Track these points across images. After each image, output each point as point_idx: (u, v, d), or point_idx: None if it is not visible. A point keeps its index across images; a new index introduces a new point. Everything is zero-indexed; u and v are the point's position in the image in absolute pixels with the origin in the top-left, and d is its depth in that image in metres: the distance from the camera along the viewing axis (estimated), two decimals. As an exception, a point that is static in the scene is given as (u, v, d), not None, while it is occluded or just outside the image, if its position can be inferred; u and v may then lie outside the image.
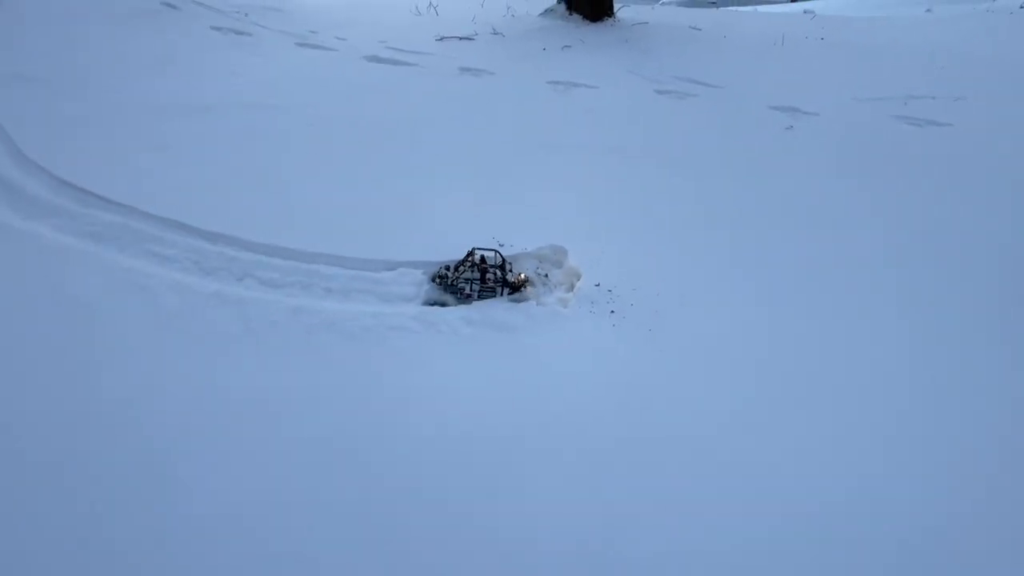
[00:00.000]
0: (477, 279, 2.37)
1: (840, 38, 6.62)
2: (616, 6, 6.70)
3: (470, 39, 5.95)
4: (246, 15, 5.84)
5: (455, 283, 2.37)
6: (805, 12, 9.11)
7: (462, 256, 2.46)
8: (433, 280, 2.43)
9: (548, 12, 6.60)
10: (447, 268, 2.45)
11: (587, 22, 6.31)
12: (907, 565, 1.51)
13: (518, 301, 2.31)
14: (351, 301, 2.32)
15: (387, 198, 3.00)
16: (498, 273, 2.40)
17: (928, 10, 9.06)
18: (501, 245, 2.64)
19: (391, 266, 2.51)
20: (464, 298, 2.35)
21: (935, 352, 2.19)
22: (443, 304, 2.32)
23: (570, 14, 6.41)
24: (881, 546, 1.54)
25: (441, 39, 5.88)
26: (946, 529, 1.59)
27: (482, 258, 2.40)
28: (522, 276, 2.40)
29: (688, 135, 3.91)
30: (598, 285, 2.44)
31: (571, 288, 2.49)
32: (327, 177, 3.15)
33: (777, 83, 4.92)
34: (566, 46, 5.69)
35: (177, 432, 1.73)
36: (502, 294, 2.36)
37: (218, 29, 5.25)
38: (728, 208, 3.08)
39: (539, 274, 2.52)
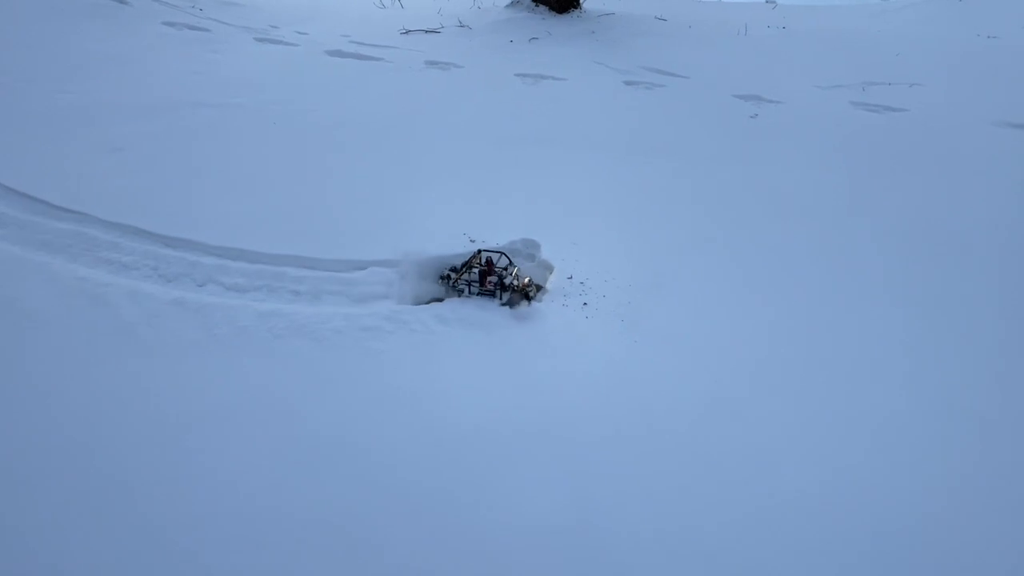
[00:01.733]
0: (476, 281, 2.33)
1: (801, 26, 6.75)
2: (582, -3, 6.70)
3: (436, 32, 5.86)
4: (201, 10, 5.63)
5: (456, 284, 2.33)
6: (767, 1, 9.27)
7: (441, 253, 2.42)
8: (439, 280, 2.39)
9: (514, 4, 6.56)
10: (453, 269, 2.41)
11: (553, 14, 6.29)
12: (882, 551, 1.56)
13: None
14: (321, 303, 2.27)
15: (355, 197, 2.94)
16: (504, 275, 2.31)
17: (883, -1, 9.32)
18: (472, 241, 2.62)
19: (361, 266, 2.47)
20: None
21: (899, 331, 2.26)
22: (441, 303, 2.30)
23: (536, 6, 6.37)
24: (857, 532, 1.58)
25: (406, 32, 5.78)
26: (919, 512, 1.65)
27: (488, 260, 2.35)
28: (527, 281, 2.33)
29: (656, 126, 3.94)
30: (570, 278, 2.45)
31: (544, 282, 2.49)
32: (292, 177, 3.07)
33: (741, 72, 4.99)
34: (533, 38, 5.66)
35: (140, 446, 1.66)
36: (500, 298, 2.29)
37: (171, 25, 5.05)
38: (696, 197, 3.12)
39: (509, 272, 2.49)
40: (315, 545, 1.47)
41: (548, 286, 2.44)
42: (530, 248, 2.67)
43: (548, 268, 2.54)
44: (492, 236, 2.65)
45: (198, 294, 2.26)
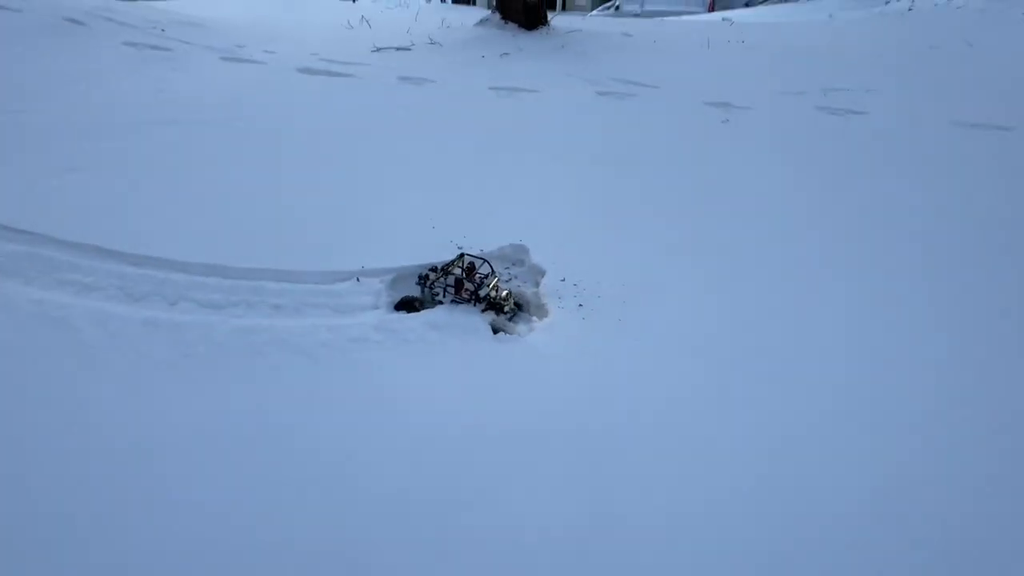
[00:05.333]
0: (452, 286, 2.24)
1: (758, 41, 7.05)
2: (549, 15, 6.83)
3: (407, 49, 5.86)
4: (163, 30, 5.48)
5: (433, 286, 2.24)
6: (724, 20, 9.69)
7: (430, 260, 2.35)
8: (417, 281, 2.30)
9: (483, 22, 6.64)
10: (433, 270, 2.32)
11: (522, 30, 6.38)
12: (874, 543, 1.52)
13: (502, 329, 2.15)
14: (304, 316, 2.14)
15: (335, 208, 2.84)
16: (480, 283, 2.20)
17: (830, 16, 9.85)
18: (460, 248, 2.55)
19: (345, 277, 2.36)
20: (436, 304, 2.23)
21: (875, 318, 2.27)
22: (411, 306, 2.20)
23: (505, 23, 6.46)
24: (868, 519, 1.54)
25: (377, 50, 5.76)
26: (925, 497, 1.63)
27: (471, 265, 2.27)
28: (504, 294, 2.22)
29: (632, 132, 3.99)
30: (563, 280, 2.39)
31: (536, 285, 2.43)
32: (267, 191, 2.95)
33: (708, 82, 5.13)
34: (504, 53, 5.72)
35: (111, 476, 1.50)
36: (475, 305, 2.19)
37: (132, 45, 4.89)
38: (678, 199, 3.13)
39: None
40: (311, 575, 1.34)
41: (541, 289, 2.37)
42: (519, 253, 2.61)
43: (539, 272, 2.48)
44: (479, 243, 2.59)
45: (170, 313, 2.10)
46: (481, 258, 2.33)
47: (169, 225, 2.59)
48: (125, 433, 1.62)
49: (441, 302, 2.23)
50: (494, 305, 2.19)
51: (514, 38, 6.19)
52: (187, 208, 2.74)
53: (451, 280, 2.23)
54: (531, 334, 2.10)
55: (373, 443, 1.65)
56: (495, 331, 2.12)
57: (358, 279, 2.34)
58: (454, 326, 2.09)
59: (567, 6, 18.30)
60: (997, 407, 1.89)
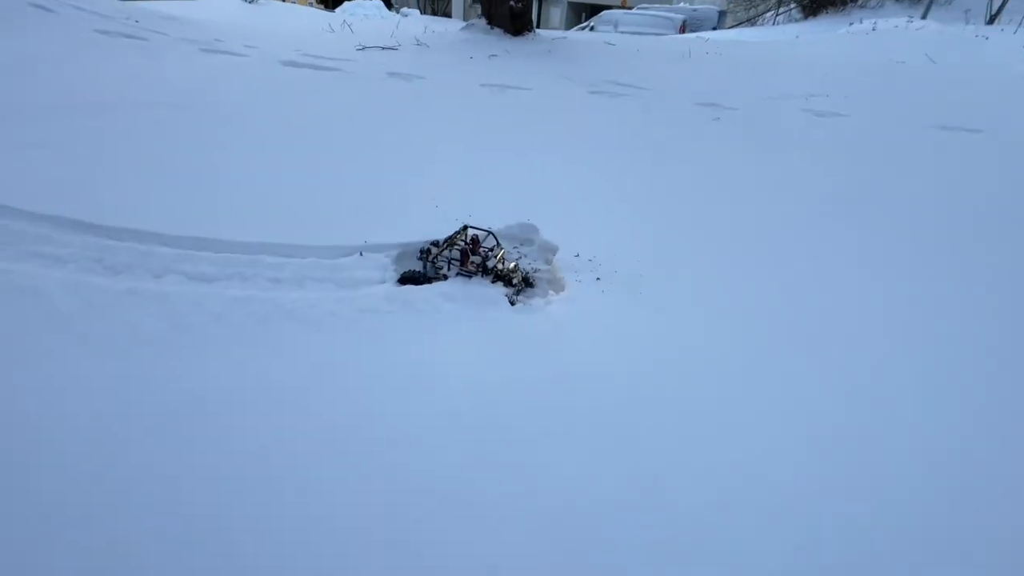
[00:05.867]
0: (457, 259, 2.12)
1: (734, 56, 7.28)
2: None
3: (393, 49, 5.79)
4: (136, 21, 5.26)
5: (435, 260, 2.12)
6: (698, 37, 10.02)
7: (435, 237, 2.23)
8: (419, 255, 2.18)
9: (469, 26, 6.64)
10: (435, 243, 2.20)
11: (508, 36, 6.41)
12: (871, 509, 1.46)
13: (518, 301, 2.04)
14: (306, 289, 1.99)
15: (334, 187, 2.69)
16: (487, 255, 2.11)
17: (796, 36, 10.33)
18: (464, 229, 2.44)
19: (347, 252, 2.22)
20: (441, 278, 2.11)
21: (872, 291, 2.27)
22: (416, 280, 2.07)
23: (491, 28, 6.48)
24: (854, 492, 1.48)
25: (362, 48, 5.67)
26: (910, 487, 1.58)
27: (474, 238, 2.16)
28: (512, 266, 2.14)
29: (629, 124, 3.99)
30: (578, 256, 2.31)
31: (548, 262, 2.34)
32: (258, 169, 2.79)
33: (695, 86, 5.23)
34: (492, 55, 5.71)
35: (103, 450, 1.31)
36: (482, 278, 2.10)
37: (104, 33, 4.65)
38: (680, 182, 3.12)
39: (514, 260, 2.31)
40: (334, 550, 1.18)
41: (554, 265, 2.28)
42: (528, 232, 2.52)
43: (551, 249, 2.39)
44: (485, 222, 2.48)
45: (155, 285, 1.91)
46: (485, 230, 2.23)
47: (153, 200, 2.39)
48: (112, 403, 1.43)
49: (446, 276, 2.12)
50: (501, 277, 2.10)
51: (500, 42, 6.21)
52: (172, 184, 2.55)
53: (455, 253, 2.12)
54: (550, 306, 2.00)
55: (393, 415, 1.50)
56: (512, 303, 2.01)
57: (361, 253, 2.20)
58: (470, 297, 1.97)
59: (540, 27, 18.72)
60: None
